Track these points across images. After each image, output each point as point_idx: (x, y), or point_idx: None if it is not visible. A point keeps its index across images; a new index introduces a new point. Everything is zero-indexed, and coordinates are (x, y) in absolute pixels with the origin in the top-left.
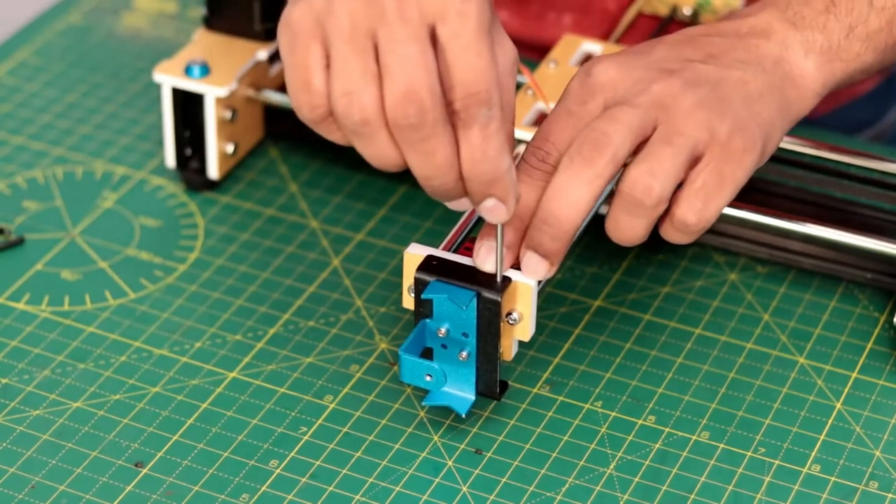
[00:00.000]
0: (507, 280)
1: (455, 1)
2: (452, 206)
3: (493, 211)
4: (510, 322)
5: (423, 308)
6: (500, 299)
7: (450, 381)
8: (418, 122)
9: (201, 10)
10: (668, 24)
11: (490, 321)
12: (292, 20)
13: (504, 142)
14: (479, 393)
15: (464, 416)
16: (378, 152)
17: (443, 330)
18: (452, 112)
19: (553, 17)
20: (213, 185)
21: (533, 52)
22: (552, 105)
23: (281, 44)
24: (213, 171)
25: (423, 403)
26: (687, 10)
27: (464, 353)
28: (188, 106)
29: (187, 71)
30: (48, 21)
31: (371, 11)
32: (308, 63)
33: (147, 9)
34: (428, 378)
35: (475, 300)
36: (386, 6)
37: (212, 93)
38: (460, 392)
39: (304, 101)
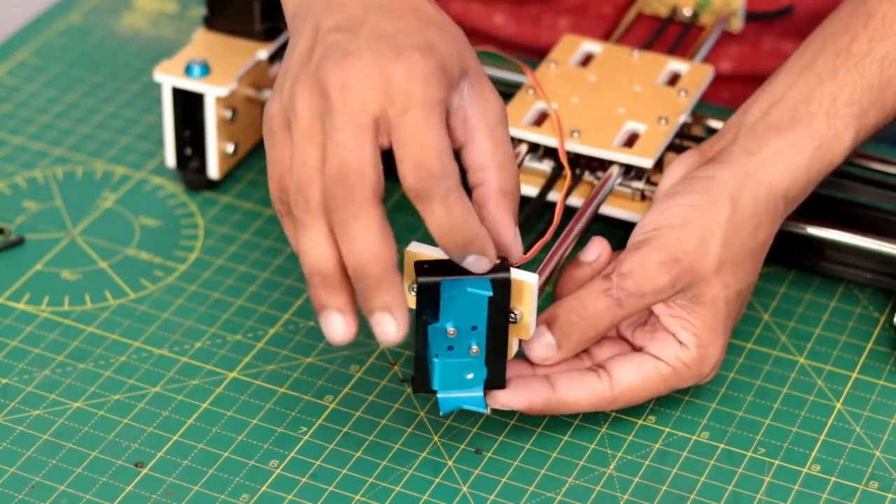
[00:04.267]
0: (504, 260)
1: (399, 82)
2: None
3: (475, 264)
4: (511, 320)
5: (426, 314)
6: (509, 277)
7: (454, 384)
8: (345, 204)
9: (201, 10)
10: (667, 25)
11: (501, 303)
12: (267, 115)
13: (466, 204)
14: (487, 386)
15: (487, 411)
16: (309, 245)
17: (452, 329)
18: (410, 192)
19: (549, 20)
20: (213, 185)
21: (530, 54)
22: (554, 105)
23: (263, 134)
24: (213, 170)
25: (441, 413)
26: (687, 11)
27: (475, 348)
28: (188, 105)
29: (187, 70)
30: (48, 21)
31: (320, 104)
32: (282, 159)
33: (147, 9)
34: (469, 377)
35: (490, 284)
36: (332, 98)
37: (212, 92)
38: (467, 392)
39: (275, 195)
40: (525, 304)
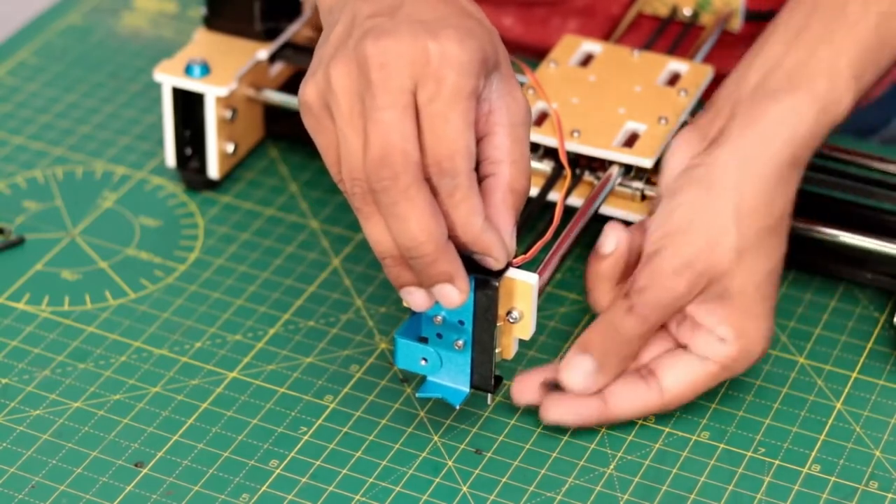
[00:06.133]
0: (505, 268)
1: (435, 65)
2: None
3: (487, 262)
4: (511, 320)
5: None
6: (497, 284)
7: (444, 373)
8: (391, 184)
9: (201, 10)
10: (668, 25)
11: (487, 308)
12: (303, 101)
13: (473, 206)
14: (473, 386)
15: (457, 407)
16: (374, 233)
17: (439, 317)
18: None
19: (557, 22)
20: (213, 185)
21: (538, 56)
22: (554, 105)
23: (304, 122)
24: (213, 170)
25: (416, 395)
26: (687, 11)
27: (459, 342)
28: (188, 105)
29: (187, 70)
30: (48, 21)
31: (360, 83)
32: (330, 144)
33: (147, 9)
34: (423, 362)
35: (473, 284)
36: (372, 77)
37: (212, 92)
38: (454, 384)
39: (336, 179)
40: (525, 303)
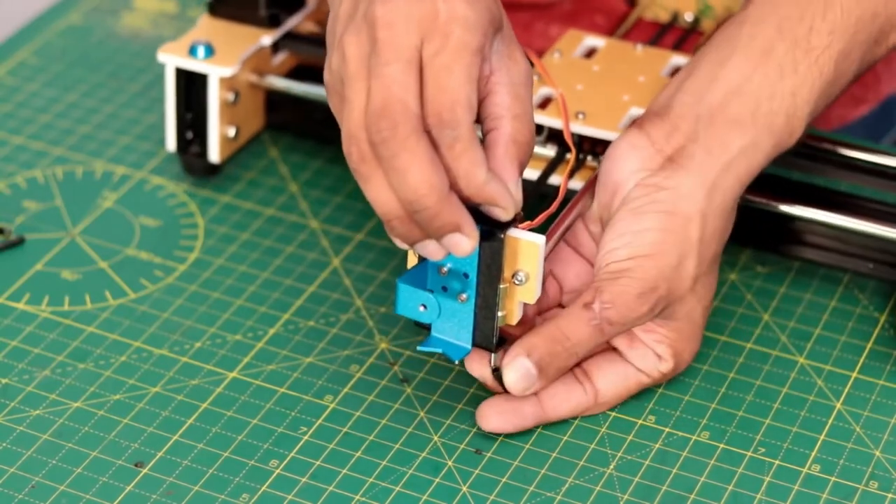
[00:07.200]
0: (515, 220)
1: (442, 21)
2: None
3: (495, 213)
4: (516, 282)
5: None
6: (503, 236)
7: (447, 327)
8: (390, 135)
9: (201, 11)
10: (668, 30)
11: (492, 260)
12: (325, 83)
13: (475, 157)
14: (475, 344)
15: (456, 362)
16: (374, 193)
17: (445, 268)
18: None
19: (540, 27)
20: (213, 170)
21: None
22: (560, 90)
23: (330, 105)
24: (214, 154)
25: (417, 348)
26: (688, 17)
27: (463, 295)
28: (191, 88)
29: (191, 51)
30: (48, 21)
31: (367, 45)
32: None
33: (147, 9)
34: (422, 308)
35: (479, 235)
36: (378, 36)
37: (216, 73)
38: (457, 341)
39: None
40: (531, 265)
